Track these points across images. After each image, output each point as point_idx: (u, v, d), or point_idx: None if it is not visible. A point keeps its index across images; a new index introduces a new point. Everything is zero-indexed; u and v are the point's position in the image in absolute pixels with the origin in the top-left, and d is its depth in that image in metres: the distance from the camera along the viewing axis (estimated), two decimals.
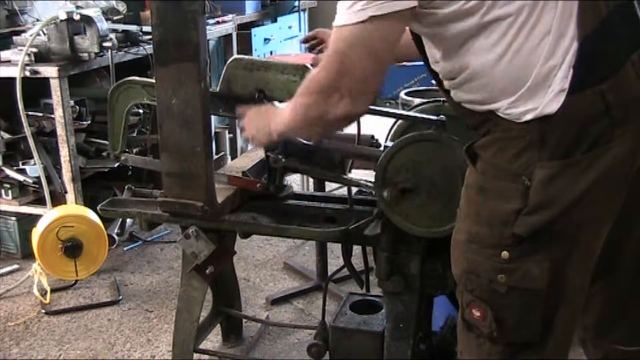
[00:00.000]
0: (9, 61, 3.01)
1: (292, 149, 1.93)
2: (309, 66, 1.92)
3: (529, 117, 1.20)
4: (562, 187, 1.20)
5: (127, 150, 3.45)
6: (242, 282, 2.89)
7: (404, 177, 1.73)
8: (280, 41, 5.37)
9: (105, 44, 3.03)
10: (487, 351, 1.31)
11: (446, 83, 1.33)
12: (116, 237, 3.31)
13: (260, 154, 2.31)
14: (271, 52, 5.13)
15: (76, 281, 3.00)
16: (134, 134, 3.63)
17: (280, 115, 1.50)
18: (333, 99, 1.27)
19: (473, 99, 1.28)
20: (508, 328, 1.27)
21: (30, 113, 3.06)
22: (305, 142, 1.91)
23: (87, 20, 2.97)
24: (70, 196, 3.10)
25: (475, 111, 1.29)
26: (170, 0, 1.78)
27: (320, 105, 1.31)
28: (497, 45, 1.19)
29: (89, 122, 3.31)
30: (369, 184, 1.84)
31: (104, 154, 3.21)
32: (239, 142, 4.42)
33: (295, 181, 3.89)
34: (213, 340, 2.54)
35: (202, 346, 2.29)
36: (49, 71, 2.94)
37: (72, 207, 3.06)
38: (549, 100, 1.18)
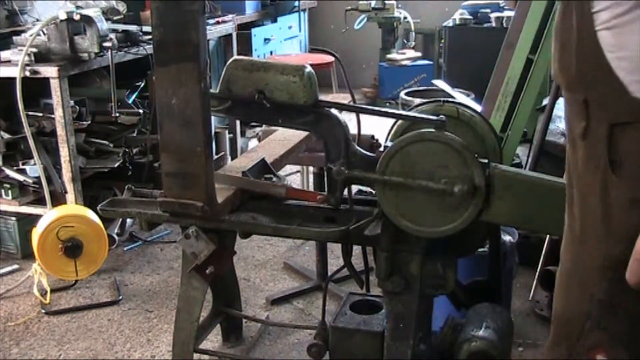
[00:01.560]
0: (9, 61, 3.02)
1: (354, 160, 1.87)
2: (309, 66, 1.92)
3: None
4: None
5: (127, 150, 3.47)
6: (242, 282, 2.89)
7: (404, 177, 1.73)
8: (280, 41, 5.38)
9: (105, 44, 3.03)
10: None
11: None
12: (116, 237, 3.31)
13: (260, 154, 2.31)
14: (271, 52, 5.14)
15: (76, 281, 3.00)
16: (134, 134, 3.64)
17: None
18: None
19: None
20: None
21: (30, 113, 3.07)
22: (367, 153, 1.87)
23: (87, 20, 2.97)
24: (70, 196, 3.10)
25: None
26: (170, 0, 1.78)
27: None
28: None
29: (89, 122, 3.32)
30: None
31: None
32: (239, 142, 4.43)
33: (295, 181, 3.90)
34: (213, 340, 2.54)
35: (202, 346, 2.29)
36: (49, 71, 2.94)
37: (72, 207, 3.06)
38: None
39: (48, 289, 2.89)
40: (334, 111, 1.93)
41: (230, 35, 4.40)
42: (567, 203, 1.25)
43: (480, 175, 1.69)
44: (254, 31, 4.93)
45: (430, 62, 5.96)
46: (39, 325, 2.72)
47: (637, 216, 1.07)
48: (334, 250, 2.95)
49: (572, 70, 1.13)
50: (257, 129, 4.45)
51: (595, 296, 1.13)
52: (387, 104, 5.54)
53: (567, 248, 1.21)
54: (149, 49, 3.28)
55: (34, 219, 3.09)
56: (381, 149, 1.85)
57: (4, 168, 3.16)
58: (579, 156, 1.16)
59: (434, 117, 1.77)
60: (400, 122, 1.92)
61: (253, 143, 4.52)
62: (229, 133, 4.31)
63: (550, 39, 2.13)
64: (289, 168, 4.01)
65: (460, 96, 3.84)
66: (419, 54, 6.02)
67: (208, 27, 3.88)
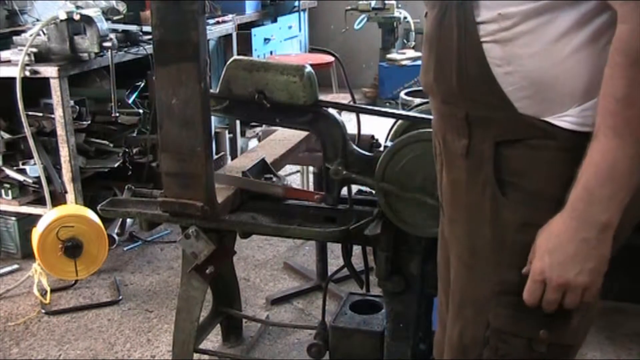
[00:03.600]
0: (9, 61, 3.01)
1: (352, 160, 1.88)
2: (309, 66, 1.92)
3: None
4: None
5: (127, 150, 3.47)
6: (242, 282, 2.89)
7: (401, 184, 1.73)
8: (280, 41, 5.38)
9: (105, 44, 3.03)
10: None
11: None
12: (116, 237, 3.31)
13: (260, 154, 2.31)
14: (271, 52, 5.14)
15: (76, 281, 2.99)
16: (134, 134, 3.64)
17: (603, 187, 0.95)
18: None
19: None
20: None
21: (30, 113, 3.06)
22: (365, 152, 1.88)
23: (87, 20, 2.97)
24: (70, 196, 3.10)
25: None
26: (170, 0, 1.78)
27: None
28: None
29: (89, 122, 3.31)
30: None
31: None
32: (239, 142, 4.43)
33: (295, 181, 3.90)
34: (213, 340, 2.54)
35: (202, 346, 2.29)
36: (49, 71, 2.94)
37: (72, 207, 3.06)
38: None
39: (48, 289, 2.89)
40: (331, 111, 1.93)
41: (230, 35, 4.40)
42: (447, 226, 1.19)
43: None
44: (254, 31, 4.93)
45: None
46: (39, 325, 2.72)
47: (531, 239, 1.01)
48: (334, 250, 2.95)
49: (452, 83, 1.05)
50: (257, 129, 4.46)
51: (492, 323, 1.08)
52: (387, 104, 5.54)
53: (457, 275, 1.15)
54: (149, 49, 3.27)
55: (34, 219, 3.09)
56: (381, 148, 1.85)
57: (4, 168, 3.16)
58: (462, 177, 1.09)
59: None
60: (400, 122, 1.92)
61: (253, 143, 4.52)
62: (229, 133, 4.31)
63: None
64: (289, 168, 4.01)
65: None
66: (419, 54, 6.01)
67: (208, 27, 3.87)
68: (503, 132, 1.02)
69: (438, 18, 1.06)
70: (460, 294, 1.15)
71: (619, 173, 0.93)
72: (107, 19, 3.18)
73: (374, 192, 1.85)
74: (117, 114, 3.28)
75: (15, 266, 3.18)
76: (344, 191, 2.02)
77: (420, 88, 3.79)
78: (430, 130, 1.72)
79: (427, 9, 1.12)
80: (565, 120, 0.98)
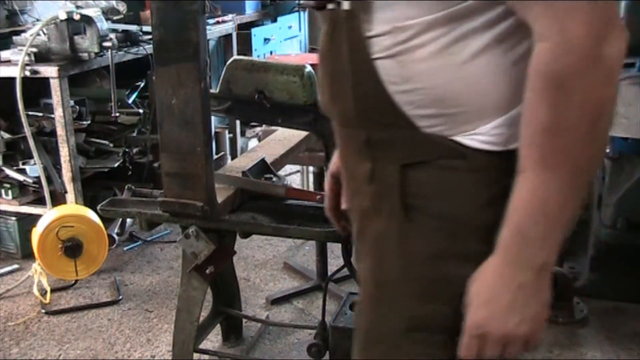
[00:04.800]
0: (9, 61, 3.01)
1: None
2: (309, 66, 1.91)
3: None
4: None
5: (127, 150, 3.47)
6: (242, 282, 2.89)
7: None
8: (280, 41, 5.38)
9: (105, 44, 3.03)
10: None
11: None
12: (116, 237, 3.31)
13: (260, 154, 2.31)
14: (271, 52, 5.14)
15: (76, 281, 2.99)
16: (134, 134, 3.64)
17: (537, 223, 0.85)
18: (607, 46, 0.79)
19: None
20: None
21: (30, 113, 3.07)
22: None
23: (87, 20, 2.97)
24: (70, 196, 3.10)
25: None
26: (170, 0, 1.78)
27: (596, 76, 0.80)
28: None
29: (89, 122, 3.32)
30: None
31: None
32: (239, 142, 4.43)
33: (295, 181, 3.90)
34: (213, 340, 2.54)
35: (202, 346, 2.29)
36: (49, 71, 2.94)
37: (72, 207, 3.06)
38: None
39: (48, 289, 2.89)
40: None
41: (230, 35, 4.40)
42: (356, 258, 1.10)
43: None
44: (254, 31, 4.93)
45: None
46: (39, 325, 2.72)
47: (445, 271, 0.93)
48: (334, 250, 2.95)
49: (349, 104, 0.96)
50: (257, 129, 4.45)
51: None
52: None
53: (366, 308, 1.05)
54: (149, 49, 3.27)
55: (34, 219, 3.09)
56: None
57: (4, 168, 3.16)
58: (368, 204, 1.00)
59: None
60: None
61: (253, 143, 4.52)
62: (229, 133, 4.31)
63: None
64: (289, 168, 4.01)
65: None
66: None
67: (208, 27, 3.87)
68: (408, 154, 0.93)
69: (329, 33, 0.97)
70: (365, 333, 1.04)
71: (552, 209, 0.84)
72: (107, 19, 3.18)
73: None
74: (117, 114, 3.28)
75: (15, 266, 3.18)
76: None
77: None
78: None
79: (322, 24, 1.02)
80: (475, 138, 0.90)
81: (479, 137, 0.90)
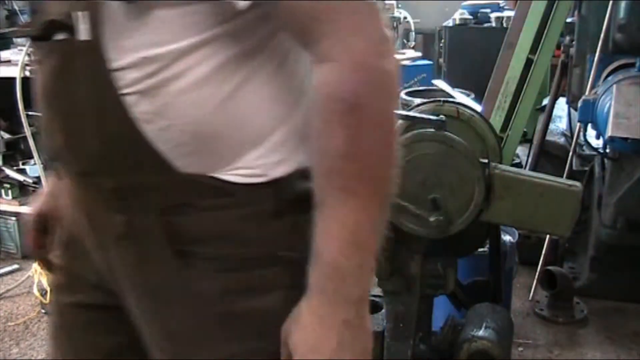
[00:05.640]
0: (9, 61, 3.02)
1: None
2: None
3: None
4: None
5: None
6: None
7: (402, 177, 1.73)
8: None
9: None
10: None
11: None
12: None
13: None
14: None
15: None
16: None
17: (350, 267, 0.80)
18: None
19: None
20: None
21: (30, 113, 3.06)
22: None
23: None
24: None
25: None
26: None
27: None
28: None
29: None
30: None
31: None
32: None
33: None
34: None
35: None
36: None
37: None
38: None
39: (48, 289, 2.89)
40: None
41: None
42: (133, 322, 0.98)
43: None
44: None
45: (430, 62, 5.95)
46: (39, 325, 2.72)
47: (241, 306, 0.86)
48: None
49: (92, 149, 0.84)
50: None
51: None
52: None
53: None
54: None
55: None
56: None
57: (4, 168, 3.16)
58: (130, 259, 0.88)
59: (434, 117, 1.77)
60: (399, 122, 1.92)
61: None
62: None
63: (551, 39, 2.13)
64: None
65: (460, 96, 3.84)
66: (419, 54, 6.00)
67: None
68: (168, 198, 0.84)
69: (58, 69, 0.83)
70: None
71: (364, 238, 0.79)
72: None
73: None
74: None
75: (15, 266, 3.18)
76: None
77: (420, 88, 3.80)
78: (431, 130, 1.73)
79: (38, 57, 0.88)
80: (237, 173, 0.84)
81: (242, 170, 0.84)
